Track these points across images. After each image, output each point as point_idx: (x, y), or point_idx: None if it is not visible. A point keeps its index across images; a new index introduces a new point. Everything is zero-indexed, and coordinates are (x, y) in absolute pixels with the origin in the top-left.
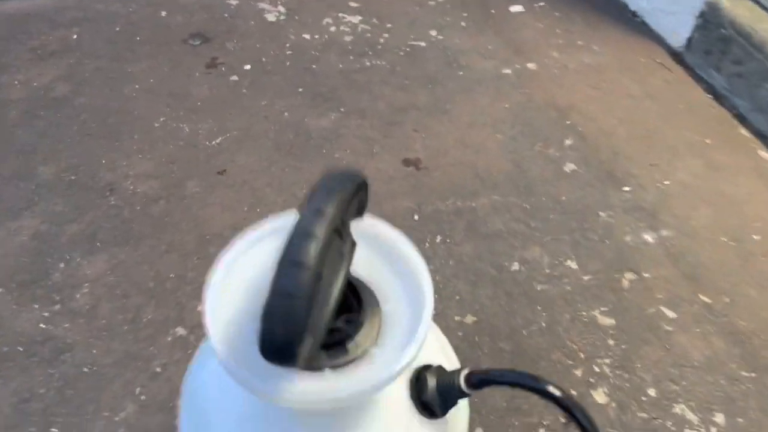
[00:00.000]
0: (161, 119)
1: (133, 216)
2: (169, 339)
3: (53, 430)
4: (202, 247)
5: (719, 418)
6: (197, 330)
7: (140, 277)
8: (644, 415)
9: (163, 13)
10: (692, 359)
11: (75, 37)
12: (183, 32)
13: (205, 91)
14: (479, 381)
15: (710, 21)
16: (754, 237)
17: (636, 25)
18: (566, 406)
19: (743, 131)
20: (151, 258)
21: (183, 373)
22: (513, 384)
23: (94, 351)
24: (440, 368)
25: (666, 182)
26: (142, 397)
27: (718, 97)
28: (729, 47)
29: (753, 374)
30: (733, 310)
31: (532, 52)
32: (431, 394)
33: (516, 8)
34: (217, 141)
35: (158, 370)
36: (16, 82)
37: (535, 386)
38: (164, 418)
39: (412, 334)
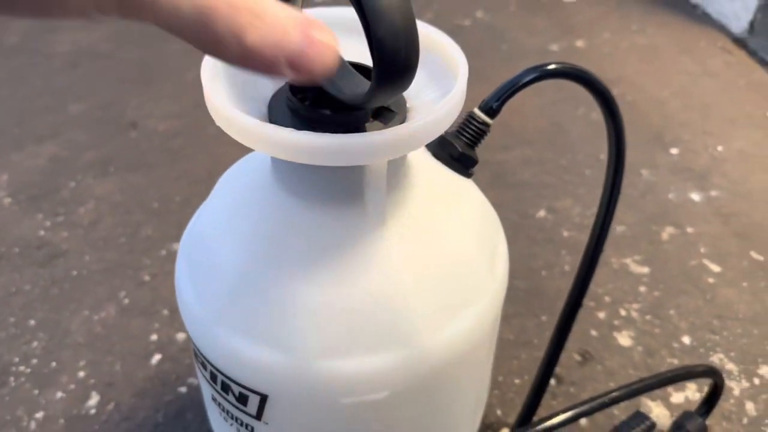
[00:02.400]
0: (195, 72)
1: (151, 148)
2: (164, 253)
3: (31, 321)
4: (212, 178)
5: (764, 370)
6: None
7: (146, 198)
8: (675, 360)
9: None
10: (737, 312)
11: None
12: None
13: None
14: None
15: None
16: None
17: (696, 16)
18: None
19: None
20: (159, 183)
21: (171, 283)
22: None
23: (87, 258)
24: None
25: (719, 148)
26: (125, 301)
27: (742, 42)
28: None
29: None
30: None
31: (582, 32)
32: (460, 145)
33: None
34: None
35: (146, 278)
36: (63, 40)
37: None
38: (143, 321)
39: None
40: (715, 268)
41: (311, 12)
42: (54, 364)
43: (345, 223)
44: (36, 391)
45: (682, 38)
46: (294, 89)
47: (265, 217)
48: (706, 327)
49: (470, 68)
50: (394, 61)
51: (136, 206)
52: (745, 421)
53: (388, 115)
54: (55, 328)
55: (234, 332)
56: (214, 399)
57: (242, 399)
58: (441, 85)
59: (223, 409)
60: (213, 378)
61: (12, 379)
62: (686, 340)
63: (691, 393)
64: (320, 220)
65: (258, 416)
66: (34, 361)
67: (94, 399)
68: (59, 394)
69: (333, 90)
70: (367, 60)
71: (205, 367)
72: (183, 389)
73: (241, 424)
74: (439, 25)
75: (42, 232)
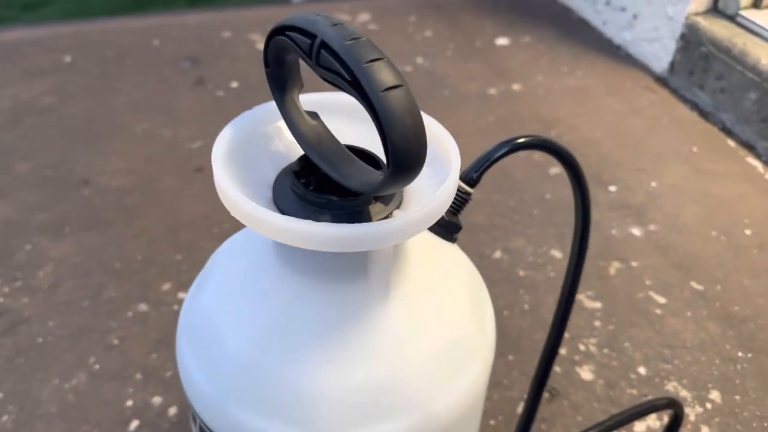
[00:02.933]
0: (143, 126)
1: (106, 206)
2: (130, 314)
3: None
4: (172, 234)
5: (714, 394)
6: (160, 307)
7: (106, 259)
8: (634, 391)
9: (156, 42)
10: (684, 340)
11: (67, 60)
12: (174, 57)
13: (190, 104)
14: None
15: (690, 41)
16: (746, 232)
17: (621, 57)
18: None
19: (730, 142)
20: (118, 242)
21: (141, 346)
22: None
23: (51, 323)
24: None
25: (653, 184)
26: (96, 367)
27: (704, 113)
28: (710, 64)
29: (749, 355)
30: (725, 296)
31: (516, 76)
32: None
33: (501, 41)
34: (198, 144)
35: (115, 342)
36: (2, 96)
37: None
38: (116, 386)
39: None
40: (661, 299)
41: (312, 98)
42: None
43: (350, 298)
44: None
45: (608, 79)
46: (299, 174)
47: (271, 296)
48: (658, 357)
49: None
50: (406, 160)
51: (96, 267)
52: None
53: (387, 197)
54: (25, 399)
55: (248, 411)
56: None
57: None
58: (434, 168)
59: None
60: None
61: None
62: (642, 370)
63: (652, 422)
64: (325, 297)
65: None
66: None
67: None
68: None
69: (339, 178)
70: (366, 144)
71: None
72: None
73: None
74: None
75: (1, 299)
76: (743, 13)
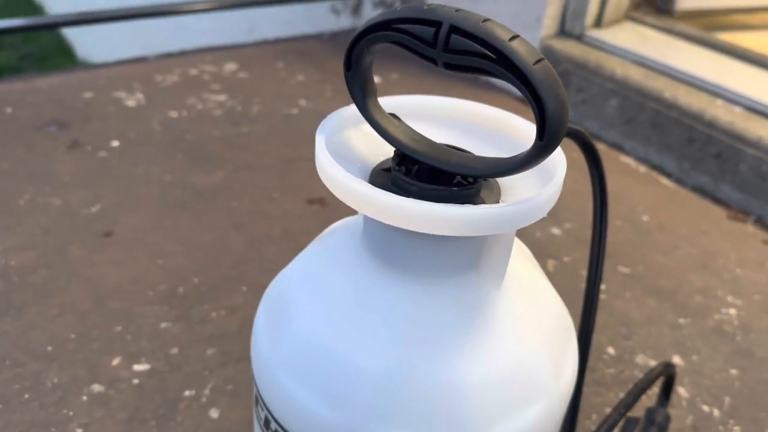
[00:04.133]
0: (26, 197)
1: (10, 288)
2: (85, 398)
3: None
4: (101, 304)
5: (676, 359)
6: (117, 384)
7: (32, 344)
8: (612, 370)
9: (9, 110)
10: (634, 318)
11: None
12: (34, 122)
13: (71, 168)
14: None
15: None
16: (644, 218)
17: (482, 85)
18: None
19: (600, 146)
20: (40, 323)
21: (110, 429)
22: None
23: None
24: None
25: None
26: None
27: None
28: (570, 80)
29: (689, 320)
30: (650, 274)
31: None
32: None
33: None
34: (96, 208)
35: (79, 430)
36: None
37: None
38: None
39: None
40: (601, 286)
41: (388, 101)
42: None
43: (458, 291)
44: None
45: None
46: (400, 161)
47: (352, 282)
48: (619, 336)
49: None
50: (561, 126)
51: (24, 355)
52: (684, 403)
53: (487, 193)
54: None
55: (382, 424)
56: None
57: None
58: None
59: None
60: None
61: None
62: (611, 350)
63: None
64: (427, 291)
65: None
66: None
67: None
68: None
69: (452, 168)
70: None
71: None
72: None
73: None
74: (268, 117)
75: None
76: (588, 33)
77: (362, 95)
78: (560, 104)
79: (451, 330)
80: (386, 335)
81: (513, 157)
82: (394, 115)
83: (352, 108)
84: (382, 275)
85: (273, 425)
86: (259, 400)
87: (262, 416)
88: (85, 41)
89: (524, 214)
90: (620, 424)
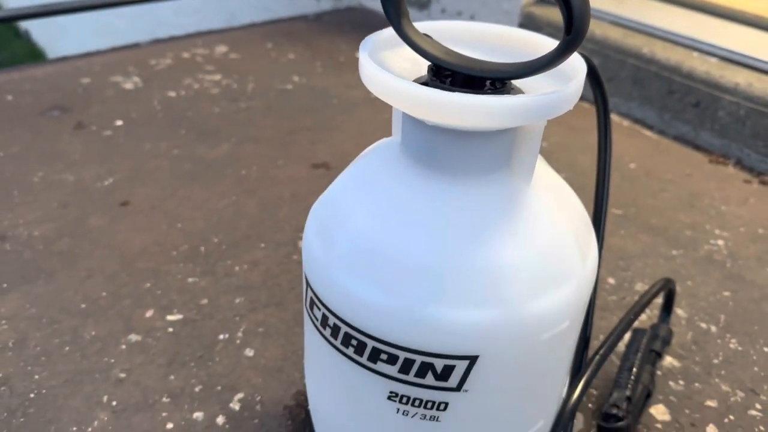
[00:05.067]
0: (39, 175)
1: (37, 256)
2: (123, 347)
3: None
4: (128, 265)
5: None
6: (153, 333)
7: (66, 304)
8: (614, 297)
9: (10, 97)
10: (630, 252)
11: None
12: (37, 108)
13: (80, 147)
14: None
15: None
16: (631, 166)
17: None
18: None
19: (585, 104)
20: (72, 286)
21: (152, 372)
22: None
23: (37, 377)
24: None
25: (544, 144)
26: (114, 403)
27: None
28: None
29: (681, 251)
30: (641, 214)
31: None
32: None
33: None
34: (109, 181)
35: (122, 376)
36: None
37: None
38: (147, 414)
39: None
40: None
41: (423, 25)
42: None
43: (490, 187)
44: None
45: None
46: (435, 73)
47: (396, 186)
48: (617, 268)
49: (315, 122)
50: (586, 20)
51: (60, 314)
52: (683, 322)
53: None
54: None
55: (436, 303)
56: (393, 397)
57: (444, 373)
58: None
59: (406, 402)
60: (406, 369)
61: None
62: (611, 280)
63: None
64: (453, 189)
65: (459, 386)
66: None
67: None
68: None
69: (485, 74)
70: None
71: (393, 361)
72: None
73: (431, 407)
74: (264, 93)
75: None
76: None
77: (397, 16)
78: (584, 3)
79: (488, 220)
80: (430, 228)
81: (542, 56)
82: (426, 35)
83: (386, 32)
84: (423, 177)
85: (331, 320)
86: (315, 302)
87: (319, 316)
88: (57, 46)
89: (554, 104)
90: (628, 336)
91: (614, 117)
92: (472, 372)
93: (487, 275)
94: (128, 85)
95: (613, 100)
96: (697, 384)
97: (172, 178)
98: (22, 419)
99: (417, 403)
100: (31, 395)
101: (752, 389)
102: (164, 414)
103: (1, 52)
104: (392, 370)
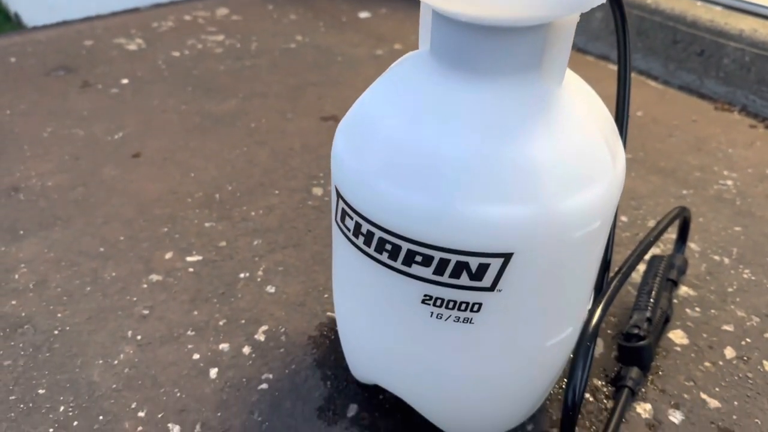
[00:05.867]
0: (48, 130)
1: (52, 204)
2: (145, 286)
3: (40, 390)
4: (146, 211)
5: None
6: (174, 273)
7: (85, 247)
8: (627, 233)
9: (13, 59)
10: (640, 192)
11: None
12: (41, 69)
13: (88, 104)
14: None
15: None
16: (638, 113)
17: None
18: None
19: (589, 58)
20: (89, 231)
21: (176, 308)
22: None
23: (59, 315)
24: None
25: None
26: (138, 337)
27: None
28: None
29: (691, 191)
30: (651, 158)
31: (393, 39)
32: None
33: (364, 15)
34: (119, 135)
35: (145, 312)
36: None
37: None
38: (172, 347)
39: None
40: None
41: None
42: (101, 417)
43: (522, 88)
44: None
45: None
46: None
47: (428, 90)
48: (629, 207)
49: (322, 78)
50: None
51: (79, 256)
52: (697, 255)
53: None
54: (76, 386)
55: (471, 201)
56: (427, 301)
57: (479, 273)
58: None
59: (440, 304)
60: (440, 270)
61: None
62: (624, 218)
63: (656, 246)
64: (493, 86)
65: (493, 285)
66: (75, 423)
67: (175, 430)
68: None
69: None
70: None
71: (428, 263)
72: (263, 386)
73: (464, 309)
74: (268, 52)
75: None
76: None
77: None
78: None
79: (521, 119)
80: (464, 128)
81: None
82: None
83: None
84: (455, 79)
85: (365, 228)
86: (347, 213)
87: (352, 225)
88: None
89: None
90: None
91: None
92: (507, 270)
93: (521, 173)
94: (132, 47)
95: (617, 52)
96: (713, 311)
97: (183, 132)
98: (47, 354)
99: (451, 305)
100: (56, 332)
101: (767, 314)
102: (190, 346)
103: None
104: (427, 272)
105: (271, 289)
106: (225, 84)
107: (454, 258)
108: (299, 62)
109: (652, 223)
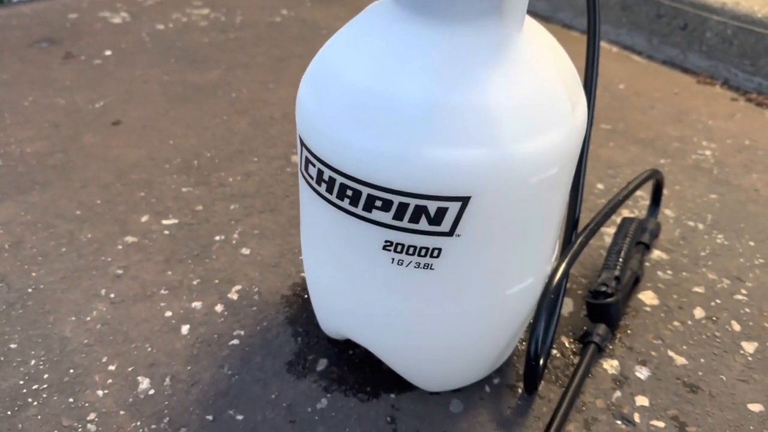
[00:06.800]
0: (30, 99)
1: (30, 170)
2: (120, 247)
3: (11, 345)
4: (121, 176)
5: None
6: (149, 235)
7: (62, 210)
8: (603, 200)
9: None
10: (619, 161)
11: None
12: (25, 41)
13: (70, 75)
14: None
15: None
16: (620, 86)
17: None
18: None
19: (574, 33)
20: (66, 195)
21: (150, 268)
22: None
23: (34, 274)
24: None
25: None
26: (111, 295)
27: (545, 18)
28: None
29: (669, 160)
30: (630, 128)
31: None
32: None
33: None
34: (100, 104)
35: (119, 272)
36: None
37: None
38: (145, 305)
39: None
40: None
41: None
42: (72, 370)
43: (482, 35)
44: (71, 400)
45: None
46: None
47: (389, 35)
48: (606, 176)
49: (306, 50)
50: None
51: (56, 219)
52: (671, 221)
53: None
54: (48, 341)
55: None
56: (387, 247)
57: (437, 217)
58: None
59: (401, 250)
60: (400, 214)
61: (32, 401)
62: (600, 186)
63: (630, 212)
64: (456, 34)
65: (452, 230)
66: (46, 375)
67: (144, 383)
68: (100, 392)
69: None
70: None
71: (387, 207)
72: (234, 342)
73: (424, 255)
74: (253, 25)
75: None
76: None
77: None
78: None
79: (480, 65)
80: (423, 73)
81: None
82: None
83: None
84: (416, 24)
85: (326, 174)
86: (309, 161)
87: (314, 173)
88: None
89: None
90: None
91: (603, 44)
92: (464, 215)
93: (476, 116)
94: (116, 20)
95: (602, 28)
96: (684, 273)
97: (164, 101)
98: (20, 311)
99: (411, 250)
100: (29, 290)
101: (738, 277)
102: (162, 304)
103: None
104: (387, 217)
105: (246, 251)
106: (208, 55)
107: (412, 202)
108: (284, 35)
109: None
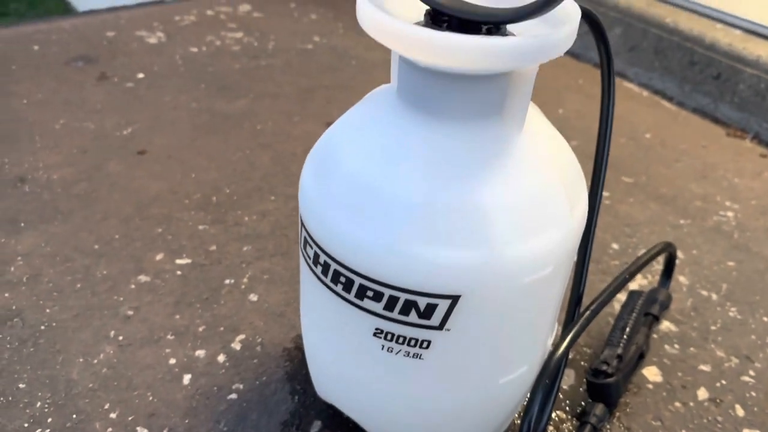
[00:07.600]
0: (61, 122)
1: (55, 197)
2: (133, 287)
3: (20, 385)
4: (143, 210)
5: (678, 253)
6: (162, 275)
7: (81, 244)
8: (616, 262)
9: (36, 47)
10: (637, 219)
11: None
12: (62, 58)
13: (102, 97)
14: None
15: None
16: (646, 135)
17: None
18: None
19: None
20: (87, 227)
21: (160, 311)
22: None
23: (48, 311)
24: None
25: (560, 111)
26: (120, 338)
27: (576, 56)
28: None
29: (689, 221)
30: (652, 183)
31: None
32: None
33: None
34: (128, 131)
35: (130, 313)
36: None
37: None
38: (151, 350)
39: None
40: (605, 193)
41: None
42: (75, 416)
43: (483, 133)
44: None
45: None
46: (433, 18)
47: (390, 129)
48: (622, 234)
49: (333, 81)
50: None
51: (74, 252)
52: (684, 289)
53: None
54: (55, 383)
55: (420, 242)
56: (378, 334)
57: (427, 312)
58: (542, 27)
59: (391, 339)
60: (390, 306)
61: None
62: (615, 246)
63: (644, 278)
64: (455, 132)
65: (441, 325)
66: (50, 420)
67: None
68: None
69: (481, 17)
70: None
71: (378, 298)
72: (233, 396)
73: (414, 345)
74: (284, 52)
75: None
76: None
77: None
78: None
79: (477, 164)
80: (421, 170)
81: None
82: None
83: None
84: (417, 121)
85: (322, 258)
86: (308, 241)
87: (312, 254)
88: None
89: (545, 47)
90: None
91: (634, 87)
92: (454, 311)
93: (471, 217)
94: (152, 40)
95: (633, 70)
96: (692, 348)
97: (190, 129)
98: (32, 348)
99: (401, 340)
100: (42, 327)
101: (747, 356)
102: (168, 350)
103: (36, 9)
104: (377, 307)
105: (253, 297)
106: (238, 82)
107: (402, 296)
108: (313, 64)
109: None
